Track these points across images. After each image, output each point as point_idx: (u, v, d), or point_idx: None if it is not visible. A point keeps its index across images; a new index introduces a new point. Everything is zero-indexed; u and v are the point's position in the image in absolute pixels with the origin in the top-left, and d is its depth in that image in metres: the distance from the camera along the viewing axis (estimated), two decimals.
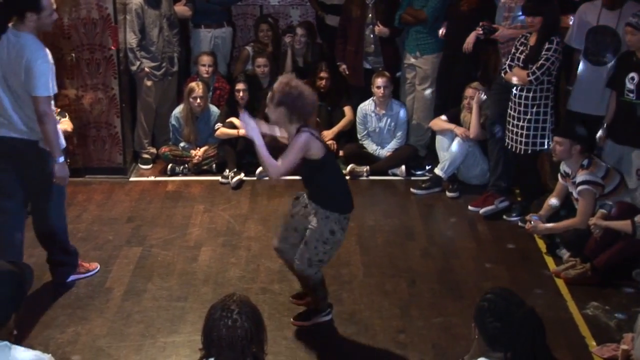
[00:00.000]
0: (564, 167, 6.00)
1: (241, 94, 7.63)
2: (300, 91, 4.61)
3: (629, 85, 5.84)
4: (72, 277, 5.54)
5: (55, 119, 5.07)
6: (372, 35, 7.72)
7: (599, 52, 6.17)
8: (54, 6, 5.02)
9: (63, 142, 5.15)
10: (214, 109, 7.77)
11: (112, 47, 7.14)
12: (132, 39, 7.38)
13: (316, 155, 4.65)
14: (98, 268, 5.70)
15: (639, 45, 5.77)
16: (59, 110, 6.92)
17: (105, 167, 7.46)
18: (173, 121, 7.72)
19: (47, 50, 4.95)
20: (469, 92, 7.09)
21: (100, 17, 7.04)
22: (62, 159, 5.05)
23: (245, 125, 4.64)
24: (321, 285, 5.02)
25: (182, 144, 7.67)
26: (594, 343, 4.87)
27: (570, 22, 6.49)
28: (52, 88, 4.94)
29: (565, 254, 5.90)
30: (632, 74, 5.82)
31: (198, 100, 7.54)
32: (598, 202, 5.79)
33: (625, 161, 6.00)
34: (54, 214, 5.33)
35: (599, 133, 6.15)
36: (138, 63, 7.46)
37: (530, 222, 5.98)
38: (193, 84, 7.59)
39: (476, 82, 7.13)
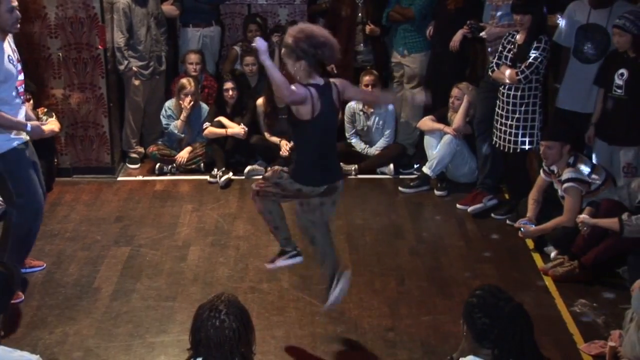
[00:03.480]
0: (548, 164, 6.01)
1: (230, 92, 7.61)
2: (318, 40, 4.37)
3: (618, 81, 5.86)
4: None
5: None
6: (360, 34, 7.73)
7: (588, 50, 6.19)
8: (15, 3, 4.91)
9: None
10: (204, 106, 7.75)
11: (100, 47, 7.12)
12: (119, 38, 7.35)
13: (302, 116, 4.43)
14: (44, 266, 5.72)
15: (627, 47, 5.79)
16: (45, 110, 6.91)
17: (93, 166, 7.43)
18: (167, 112, 7.67)
19: None
20: (455, 92, 7.10)
21: (88, 16, 7.01)
22: None
23: (259, 48, 4.37)
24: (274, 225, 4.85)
25: (172, 125, 7.59)
26: (581, 340, 4.88)
27: (558, 21, 6.51)
28: None
29: (552, 251, 5.92)
30: (622, 70, 5.84)
31: (189, 97, 7.52)
32: (585, 199, 5.81)
33: (615, 159, 6.02)
34: None
35: (588, 132, 6.17)
36: (126, 62, 7.44)
37: (521, 230, 6.01)
38: (184, 80, 7.56)
39: (464, 83, 7.14)
